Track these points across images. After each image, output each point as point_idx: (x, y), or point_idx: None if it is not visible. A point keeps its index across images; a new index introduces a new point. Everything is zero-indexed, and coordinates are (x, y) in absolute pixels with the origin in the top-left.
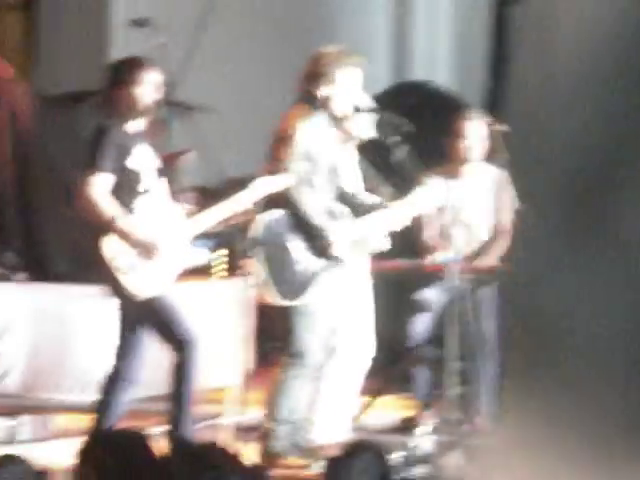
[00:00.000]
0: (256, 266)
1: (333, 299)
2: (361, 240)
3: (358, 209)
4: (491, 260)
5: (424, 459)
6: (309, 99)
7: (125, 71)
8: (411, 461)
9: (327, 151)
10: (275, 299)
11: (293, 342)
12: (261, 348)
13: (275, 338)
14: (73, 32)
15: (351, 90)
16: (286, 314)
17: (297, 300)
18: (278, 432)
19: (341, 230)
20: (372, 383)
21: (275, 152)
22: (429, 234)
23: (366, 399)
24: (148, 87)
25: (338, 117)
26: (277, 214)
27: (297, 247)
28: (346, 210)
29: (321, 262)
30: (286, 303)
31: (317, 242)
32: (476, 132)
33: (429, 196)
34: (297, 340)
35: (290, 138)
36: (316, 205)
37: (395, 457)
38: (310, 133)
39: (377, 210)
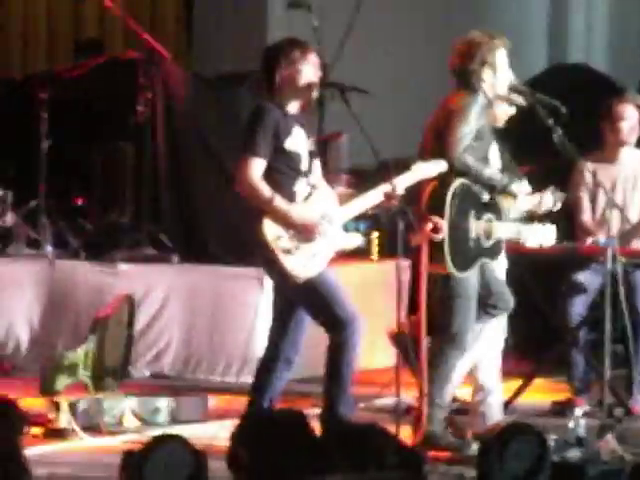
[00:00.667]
0: (440, 224)
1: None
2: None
3: None
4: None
5: (579, 442)
6: (465, 81)
7: (286, 51)
8: (566, 444)
9: (487, 131)
10: (447, 267)
11: (448, 325)
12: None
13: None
14: (230, 14)
15: (504, 72)
16: (444, 296)
17: (466, 271)
18: (436, 415)
19: (519, 188)
20: (527, 365)
21: (437, 132)
22: (585, 217)
23: (520, 382)
24: (308, 68)
25: (492, 99)
26: (465, 181)
27: (476, 218)
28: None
29: (495, 235)
30: (456, 273)
31: (499, 192)
32: (632, 116)
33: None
34: (453, 322)
35: (463, 112)
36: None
37: (550, 440)
38: (477, 111)
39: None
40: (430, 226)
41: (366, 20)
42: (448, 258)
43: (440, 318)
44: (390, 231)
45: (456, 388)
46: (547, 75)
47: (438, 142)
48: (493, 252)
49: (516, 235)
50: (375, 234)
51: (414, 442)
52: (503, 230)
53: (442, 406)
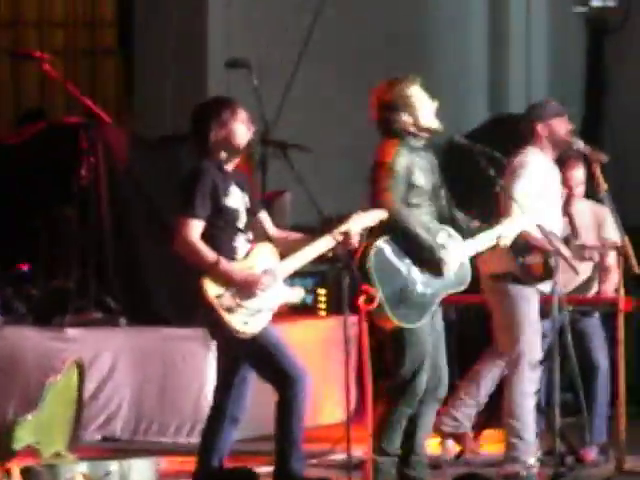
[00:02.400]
0: (373, 293)
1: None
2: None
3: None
4: (594, 291)
5: None
6: (385, 129)
7: (215, 113)
8: None
9: (420, 174)
10: (395, 323)
11: (400, 369)
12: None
13: (380, 374)
14: (170, 74)
15: (423, 106)
16: (395, 345)
17: (416, 323)
18: (386, 465)
19: (452, 248)
20: (478, 416)
21: (373, 180)
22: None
23: (472, 433)
24: (240, 126)
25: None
26: (386, 240)
27: (411, 269)
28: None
29: (436, 282)
30: (405, 325)
31: (429, 260)
32: (580, 174)
33: (516, 228)
34: (404, 366)
35: (387, 164)
36: (420, 224)
37: None
38: (405, 158)
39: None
40: (363, 298)
41: (306, 77)
42: (391, 315)
43: (392, 365)
44: (337, 287)
45: (424, 440)
46: (488, 126)
47: (369, 196)
48: (457, 282)
49: (483, 247)
50: (322, 291)
51: None
52: (460, 252)
53: (391, 454)
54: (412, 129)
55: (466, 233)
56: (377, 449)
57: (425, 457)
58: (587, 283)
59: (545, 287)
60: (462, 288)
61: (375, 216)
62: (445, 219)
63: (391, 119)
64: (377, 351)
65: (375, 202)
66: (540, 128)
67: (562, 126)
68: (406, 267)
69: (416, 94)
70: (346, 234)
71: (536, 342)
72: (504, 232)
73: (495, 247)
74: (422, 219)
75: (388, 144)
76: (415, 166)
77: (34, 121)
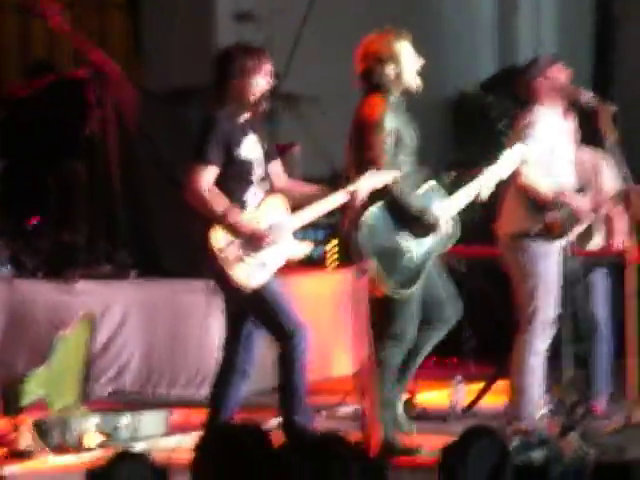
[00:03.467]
0: (368, 260)
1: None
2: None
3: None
4: (602, 243)
5: (542, 442)
6: (370, 83)
7: (240, 63)
8: (529, 445)
9: (406, 131)
10: (389, 290)
11: (393, 325)
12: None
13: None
14: (178, 28)
15: (408, 61)
16: (385, 300)
17: (408, 290)
18: (386, 417)
19: (441, 206)
20: (488, 369)
21: (364, 141)
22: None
23: (482, 385)
24: (262, 79)
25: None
26: (377, 208)
27: (404, 236)
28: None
29: (426, 244)
30: (401, 293)
31: (422, 224)
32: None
33: (512, 159)
34: (397, 323)
35: (376, 124)
36: (410, 187)
37: (513, 441)
38: (393, 115)
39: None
40: (357, 270)
41: (315, 29)
42: (386, 284)
43: (382, 318)
44: (348, 240)
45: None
46: (497, 78)
47: (359, 156)
48: (447, 238)
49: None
50: (333, 243)
51: (372, 452)
52: (448, 207)
53: (392, 402)
54: (396, 83)
55: (450, 186)
56: (377, 398)
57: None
58: (586, 232)
59: (564, 243)
60: (452, 242)
61: (386, 178)
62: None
63: (377, 71)
64: None
65: (369, 164)
66: (539, 83)
67: (559, 74)
68: (398, 234)
69: (403, 49)
70: (354, 192)
71: (550, 301)
72: (484, 182)
73: (475, 199)
74: (410, 179)
75: (374, 101)
76: (401, 123)
77: (43, 73)
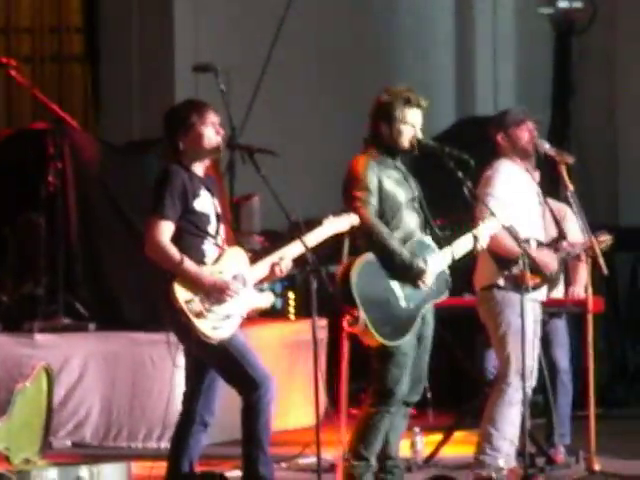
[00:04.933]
0: (356, 314)
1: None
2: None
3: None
4: (560, 292)
5: None
6: (374, 138)
7: (184, 116)
8: None
9: (394, 187)
10: (379, 340)
11: (383, 379)
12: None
13: (359, 379)
14: (137, 80)
15: (412, 128)
16: (378, 358)
17: (401, 340)
18: (360, 469)
19: (430, 258)
20: (447, 419)
21: (346, 192)
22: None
23: (441, 435)
24: (208, 129)
25: (398, 153)
26: (368, 257)
27: (393, 286)
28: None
29: (417, 296)
30: (390, 344)
31: (407, 274)
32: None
33: (490, 231)
34: (387, 377)
35: (360, 178)
36: (395, 238)
37: None
38: (377, 171)
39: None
40: (348, 320)
41: (274, 82)
42: (377, 335)
43: (375, 374)
44: (306, 291)
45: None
46: (455, 128)
47: (345, 202)
48: (438, 291)
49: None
50: (291, 294)
51: None
52: (437, 261)
53: (368, 459)
54: (389, 141)
55: (443, 242)
56: (354, 452)
57: (400, 461)
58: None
59: (538, 294)
60: (444, 297)
61: (347, 221)
62: (423, 230)
63: (371, 127)
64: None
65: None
66: (500, 138)
67: (524, 134)
68: (388, 284)
69: (400, 106)
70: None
71: (523, 349)
72: (479, 234)
73: (472, 252)
74: (396, 233)
75: (360, 156)
76: (385, 180)
77: None
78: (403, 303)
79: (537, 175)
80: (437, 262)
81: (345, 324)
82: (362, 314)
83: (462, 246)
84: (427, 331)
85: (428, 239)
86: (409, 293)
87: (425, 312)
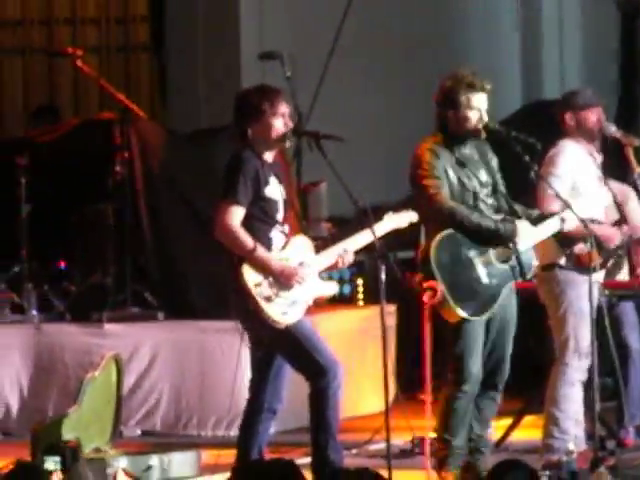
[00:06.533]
0: (437, 287)
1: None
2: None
3: None
4: (624, 275)
5: (572, 476)
6: (440, 124)
7: (255, 104)
8: (559, 478)
9: (461, 173)
10: (458, 314)
11: (458, 359)
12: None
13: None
14: (204, 68)
15: (478, 112)
16: (452, 331)
17: (481, 316)
18: (448, 452)
19: (519, 224)
20: (516, 403)
21: (415, 182)
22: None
23: (511, 419)
24: (278, 120)
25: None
26: (448, 232)
27: (475, 262)
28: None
29: (500, 273)
30: (470, 318)
31: (498, 240)
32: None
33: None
34: (462, 356)
35: (427, 167)
36: (474, 212)
37: (544, 475)
38: (443, 158)
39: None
40: (428, 294)
41: (340, 67)
42: (456, 308)
43: (448, 354)
44: (374, 277)
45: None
46: (522, 113)
47: (416, 192)
48: (522, 272)
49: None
50: (360, 280)
51: None
52: (528, 232)
53: (460, 448)
54: (455, 127)
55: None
56: (438, 437)
57: (485, 444)
58: (616, 265)
59: (598, 276)
60: (529, 276)
61: (407, 218)
62: (504, 213)
63: (437, 114)
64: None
65: (424, 205)
66: (568, 118)
67: (592, 117)
68: (469, 260)
69: (464, 91)
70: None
71: (583, 330)
72: (567, 216)
73: (559, 233)
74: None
75: (425, 143)
76: (451, 167)
77: (47, 118)
78: (485, 279)
79: (600, 158)
80: (526, 230)
81: (425, 298)
82: (441, 286)
83: (550, 227)
84: (510, 312)
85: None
86: (492, 271)
87: (508, 292)
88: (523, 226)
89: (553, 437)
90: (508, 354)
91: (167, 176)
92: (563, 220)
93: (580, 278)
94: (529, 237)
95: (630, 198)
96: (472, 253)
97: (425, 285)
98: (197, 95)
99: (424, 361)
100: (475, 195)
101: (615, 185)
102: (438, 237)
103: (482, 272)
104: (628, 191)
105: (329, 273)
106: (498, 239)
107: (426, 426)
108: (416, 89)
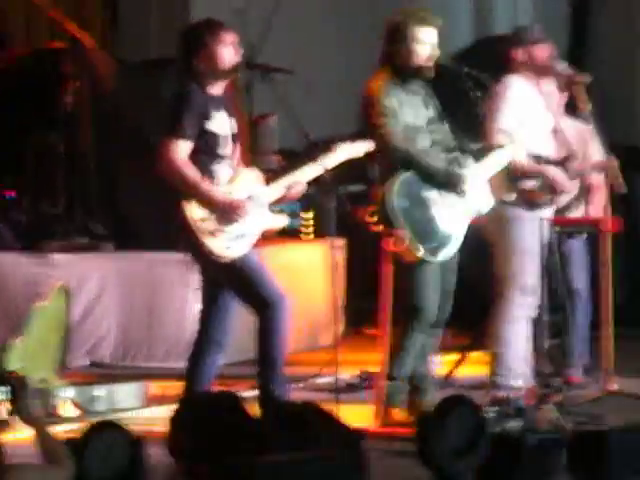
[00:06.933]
0: (401, 234)
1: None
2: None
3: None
4: (580, 212)
5: (518, 412)
6: (388, 59)
7: (199, 35)
8: (506, 415)
9: (411, 109)
10: (420, 256)
11: (414, 298)
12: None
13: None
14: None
15: (427, 47)
16: (407, 271)
17: (440, 256)
18: (394, 389)
19: (467, 169)
20: (463, 339)
21: (366, 118)
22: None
23: (457, 355)
24: (224, 49)
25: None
26: (404, 176)
27: (433, 202)
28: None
29: (457, 211)
30: (431, 259)
31: (448, 182)
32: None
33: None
34: (418, 296)
35: (378, 103)
36: (425, 153)
37: (490, 411)
38: (393, 94)
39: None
40: (392, 242)
41: (292, 1)
42: (419, 250)
43: (404, 292)
44: (324, 210)
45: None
46: (474, 48)
47: (369, 130)
48: (478, 206)
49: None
50: (310, 214)
51: (382, 421)
52: (475, 172)
53: (401, 382)
54: (405, 62)
55: (475, 157)
56: (389, 375)
57: (431, 381)
58: (572, 203)
59: (546, 213)
60: (484, 210)
61: (362, 147)
62: (451, 150)
63: (386, 49)
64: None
65: (377, 144)
66: (519, 54)
67: (542, 53)
68: (426, 202)
69: (413, 25)
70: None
71: (528, 266)
72: (512, 149)
73: (507, 169)
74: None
75: (375, 79)
76: (402, 103)
77: None
78: (442, 221)
79: (560, 96)
80: (475, 171)
81: (390, 244)
82: (404, 231)
83: (496, 161)
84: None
85: (459, 155)
86: (447, 208)
87: (463, 232)
88: (471, 170)
89: (498, 374)
90: (451, 291)
91: (115, 106)
92: (509, 152)
93: (528, 215)
94: (477, 181)
95: (591, 138)
96: (428, 194)
97: (390, 233)
98: (148, 26)
99: (383, 303)
100: (424, 131)
101: (579, 124)
102: (395, 184)
103: (438, 213)
104: (588, 130)
105: (279, 206)
106: (447, 184)
107: (373, 361)
108: (367, 21)
